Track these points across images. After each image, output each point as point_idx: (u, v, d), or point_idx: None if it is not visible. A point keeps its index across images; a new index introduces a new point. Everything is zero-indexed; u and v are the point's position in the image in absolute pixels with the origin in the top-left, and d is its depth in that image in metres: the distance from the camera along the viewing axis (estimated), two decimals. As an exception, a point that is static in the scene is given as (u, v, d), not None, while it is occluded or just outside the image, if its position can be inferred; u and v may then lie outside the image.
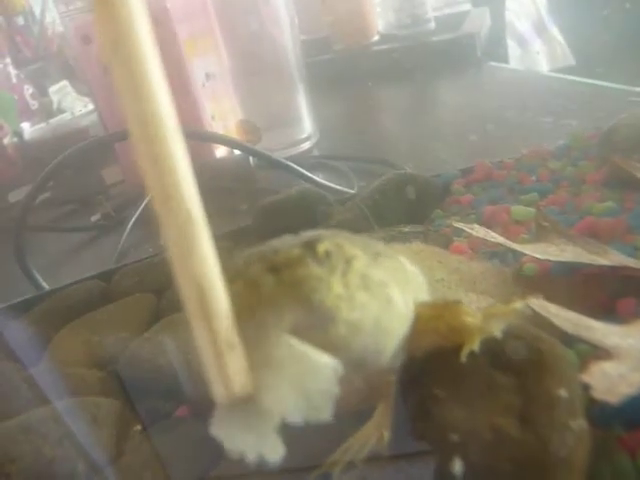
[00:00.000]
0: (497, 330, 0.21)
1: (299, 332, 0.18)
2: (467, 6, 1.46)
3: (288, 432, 0.19)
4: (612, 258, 0.32)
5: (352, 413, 0.26)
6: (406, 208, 0.46)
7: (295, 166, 0.63)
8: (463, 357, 0.21)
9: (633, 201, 0.40)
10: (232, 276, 0.19)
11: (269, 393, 0.18)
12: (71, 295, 0.45)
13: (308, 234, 0.21)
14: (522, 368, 0.20)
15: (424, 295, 0.23)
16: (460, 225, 0.36)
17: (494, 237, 0.35)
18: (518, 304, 0.22)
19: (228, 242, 0.49)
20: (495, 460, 0.19)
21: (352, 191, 0.59)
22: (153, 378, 0.34)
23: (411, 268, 0.24)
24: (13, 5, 1.30)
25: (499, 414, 0.20)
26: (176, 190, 0.16)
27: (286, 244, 0.20)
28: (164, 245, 0.17)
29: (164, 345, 0.35)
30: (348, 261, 0.20)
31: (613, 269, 0.31)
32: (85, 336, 0.40)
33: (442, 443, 0.21)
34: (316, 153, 0.80)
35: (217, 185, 0.70)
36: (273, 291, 0.18)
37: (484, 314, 0.22)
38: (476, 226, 0.36)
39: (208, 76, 0.80)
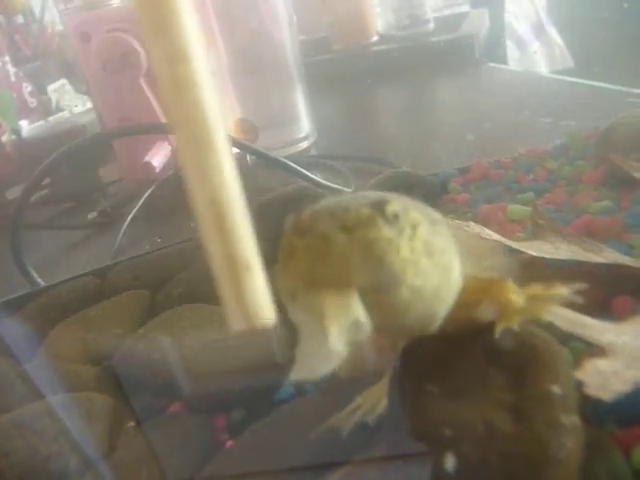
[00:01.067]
0: (541, 313, 0.21)
1: (364, 292, 0.18)
2: (466, 7, 1.46)
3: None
4: (607, 256, 0.32)
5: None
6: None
7: (292, 164, 0.63)
8: (497, 333, 0.21)
9: (630, 200, 0.40)
10: (299, 229, 0.19)
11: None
12: (66, 292, 0.45)
13: (372, 194, 0.20)
14: (516, 364, 0.20)
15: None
16: (455, 222, 0.36)
17: (489, 234, 0.34)
18: (563, 289, 0.22)
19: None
20: (488, 456, 0.19)
21: (349, 189, 0.59)
22: (147, 374, 0.34)
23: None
24: (13, 4, 1.29)
25: (492, 410, 0.20)
26: (192, 98, 0.14)
27: (354, 202, 0.20)
28: (179, 164, 0.16)
29: (158, 342, 0.34)
30: (414, 226, 0.20)
31: (608, 267, 0.31)
32: (80, 332, 0.39)
33: (436, 438, 0.21)
34: (314, 152, 0.80)
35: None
36: (345, 249, 0.18)
37: (528, 295, 0.22)
38: (472, 224, 0.36)
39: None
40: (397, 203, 0.20)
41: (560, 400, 0.20)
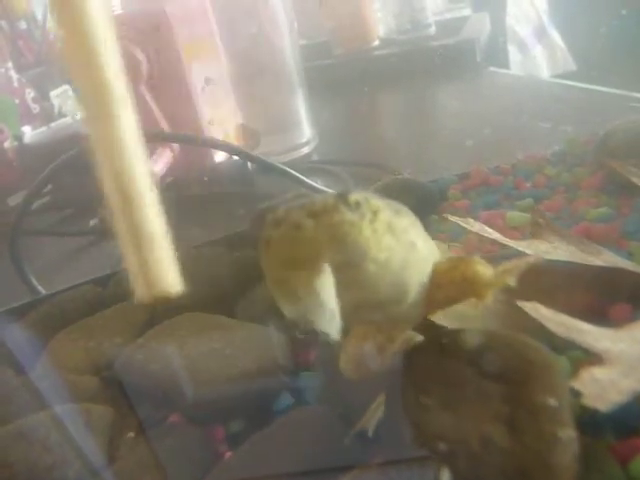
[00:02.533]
0: (510, 281, 0.23)
1: (336, 268, 0.21)
2: (467, 11, 1.46)
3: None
4: (606, 259, 0.32)
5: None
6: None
7: (291, 171, 0.63)
8: (478, 307, 0.23)
9: (629, 206, 0.40)
10: (275, 222, 0.21)
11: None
12: (66, 300, 0.45)
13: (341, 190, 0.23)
14: (511, 376, 0.20)
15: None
16: (454, 219, 0.36)
17: (489, 233, 0.34)
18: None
19: (224, 246, 0.49)
20: (482, 470, 0.19)
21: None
22: (146, 385, 0.34)
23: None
24: (15, 10, 1.30)
25: (487, 422, 0.20)
26: (94, 55, 0.14)
27: (322, 196, 0.22)
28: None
29: (157, 351, 0.35)
30: (375, 212, 0.22)
31: (606, 271, 0.31)
32: (80, 342, 0.40)
33: (433, 451, 0.21)
34: (315, 158, 0.80)
35: (215, 190, 0.70)
36: (313, 233, 0.21)
37: (497, 268, 0.24)
38: (471, 220, 0.36)
39: (208, 80, 0.80)
40: (359, 194, 0.22)
41: (555, 413, 0.20)
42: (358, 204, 0.22)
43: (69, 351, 0.39)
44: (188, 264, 0.45)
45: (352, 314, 0.22)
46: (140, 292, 0.16)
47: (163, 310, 0.41)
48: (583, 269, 0.31)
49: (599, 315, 0.30)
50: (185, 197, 0.72)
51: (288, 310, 0.21)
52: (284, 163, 0.66)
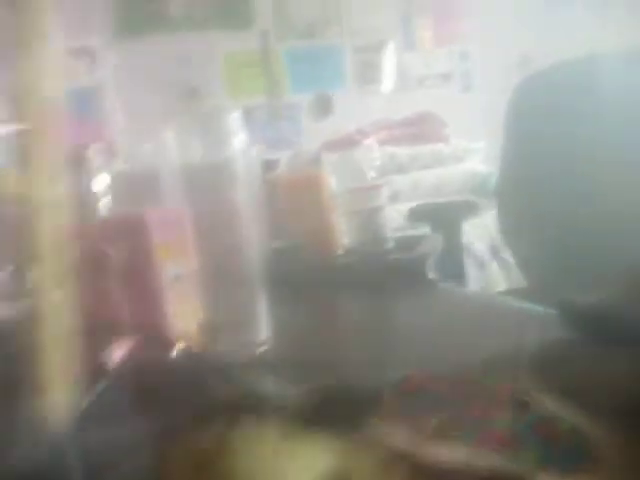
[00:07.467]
0: None
1: None
2: (427, 230, 1.63)
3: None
4: None
5: None
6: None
7: (244, 371, 0.64)
8: None
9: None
10: None
11: None
12: None
13: None
14: None
15: None
16: (383, 425, 0.37)
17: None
18: None
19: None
20: None
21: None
22: None
23: None
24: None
25: None
26: None
27: None
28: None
29: None
30: None
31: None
32: None
33: None
34: (269, 358, 0.82)
35: (170, 384, 0.70)
36: None
37: None
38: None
39: (177, 277, 0.86)
40: None
41: None
42: None
43: None
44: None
45: None
46: None
47: None
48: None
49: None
50: (139, 388, 0.71)
51: None
52: (239, 361, 0.67)
